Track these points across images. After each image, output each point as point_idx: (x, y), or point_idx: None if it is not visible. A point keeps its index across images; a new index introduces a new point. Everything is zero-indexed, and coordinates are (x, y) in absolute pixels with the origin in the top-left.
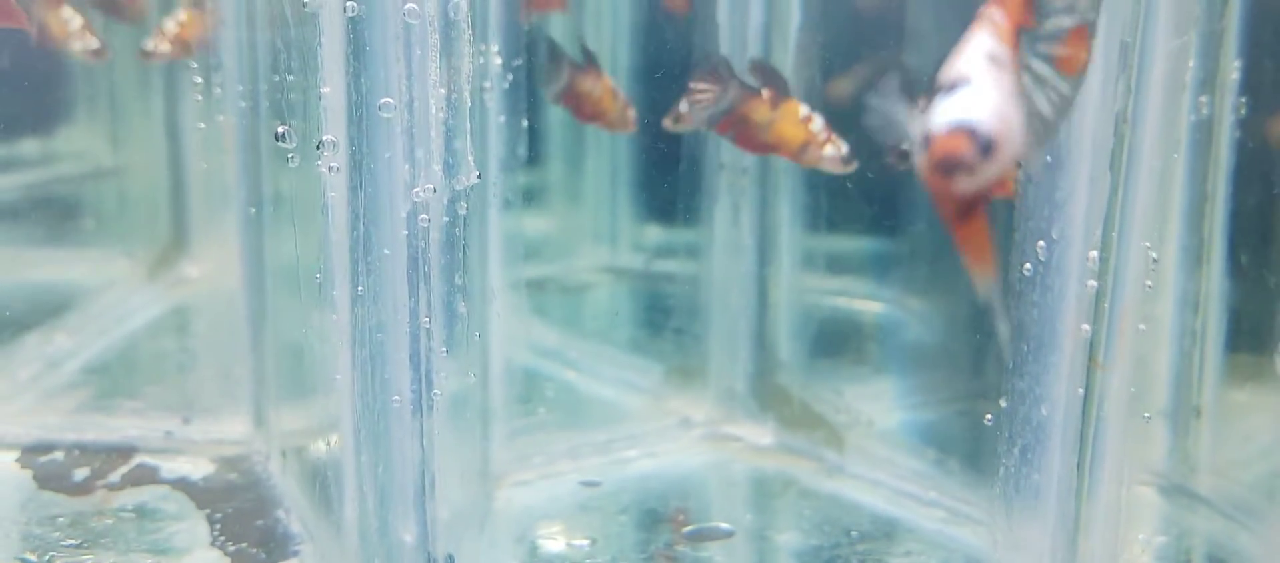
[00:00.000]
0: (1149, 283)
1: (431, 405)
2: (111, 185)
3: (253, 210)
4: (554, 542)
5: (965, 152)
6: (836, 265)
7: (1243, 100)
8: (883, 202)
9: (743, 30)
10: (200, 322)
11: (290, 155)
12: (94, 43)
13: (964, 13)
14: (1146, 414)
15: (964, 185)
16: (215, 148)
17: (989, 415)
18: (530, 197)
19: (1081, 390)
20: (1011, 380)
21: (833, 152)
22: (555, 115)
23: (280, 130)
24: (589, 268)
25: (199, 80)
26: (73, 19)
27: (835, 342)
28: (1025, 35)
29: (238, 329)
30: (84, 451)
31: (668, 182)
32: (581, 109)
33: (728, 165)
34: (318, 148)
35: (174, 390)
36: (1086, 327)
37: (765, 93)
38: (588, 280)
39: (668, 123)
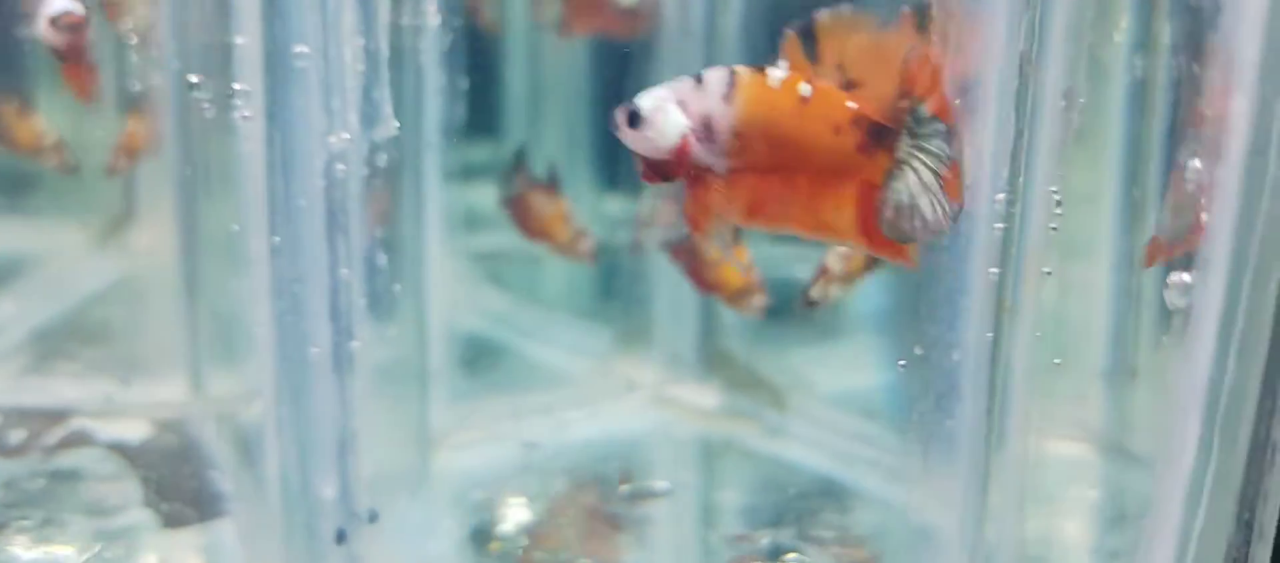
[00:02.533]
0: (1053, 227)
1: (351, 359)
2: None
3: (187, 173)
4: (494, 504)
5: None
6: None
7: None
8: None
9: None
10: (143, 290)
11: (206, 106)
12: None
13: None
14: (1057, 360)
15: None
16: (154, 113)
17: (902, 361)
18: (484, 169)
19: (990, 335)
20: (924, 327)
21: (760, 300)
22: (514, 84)
23: (194, 80)
24: None
25: (134, 40)
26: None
27: (782, 307)
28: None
29: (174, 295)
30: (22, 414)
31: (624, 153)
32: (527, 224)
33: None
34: (229, 97)
35: (113, 356)
36: (994, 270)
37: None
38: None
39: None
